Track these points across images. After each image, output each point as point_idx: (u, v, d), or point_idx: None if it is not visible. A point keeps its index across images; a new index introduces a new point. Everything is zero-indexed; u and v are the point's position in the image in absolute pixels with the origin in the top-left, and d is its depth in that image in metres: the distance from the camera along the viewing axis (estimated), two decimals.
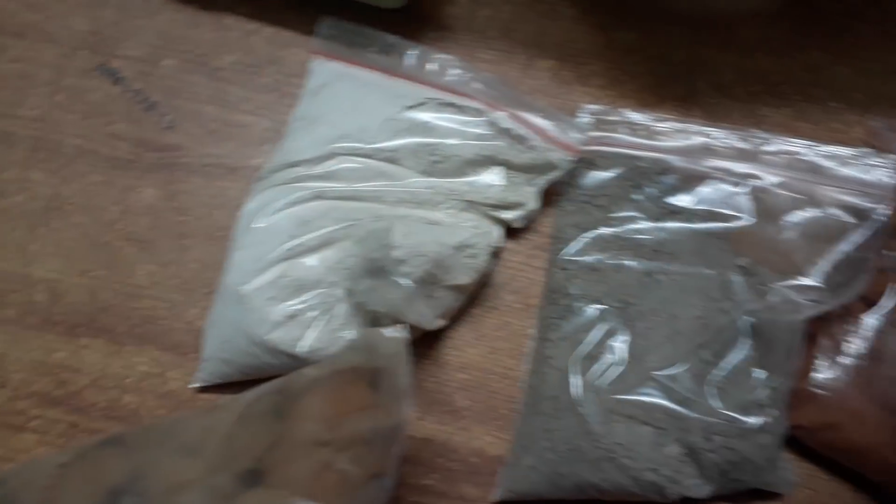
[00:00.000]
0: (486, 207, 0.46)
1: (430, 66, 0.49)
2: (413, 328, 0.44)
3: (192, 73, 0.53)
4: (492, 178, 0.47)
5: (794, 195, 0.46)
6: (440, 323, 0.45)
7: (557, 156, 0.47)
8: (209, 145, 0.51)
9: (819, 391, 0.44)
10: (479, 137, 0.47)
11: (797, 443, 0.45)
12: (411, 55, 0.49)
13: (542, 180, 0.47)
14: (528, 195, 0.47)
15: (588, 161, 0.48)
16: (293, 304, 0.43)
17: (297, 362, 0.42)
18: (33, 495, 0.33)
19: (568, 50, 0.53)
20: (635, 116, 0.49)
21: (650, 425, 0.42)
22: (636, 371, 0.43)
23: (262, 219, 0.45)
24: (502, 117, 0.47)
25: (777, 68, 0.53)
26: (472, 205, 0.46)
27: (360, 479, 0.32)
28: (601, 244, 0.47)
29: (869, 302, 0.46)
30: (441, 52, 0.50)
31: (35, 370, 0.46)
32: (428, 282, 0.43)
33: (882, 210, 0.45)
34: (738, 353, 0.44)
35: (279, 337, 0.42)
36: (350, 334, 0.43)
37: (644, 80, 0.53)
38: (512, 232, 0.49)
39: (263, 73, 0.53)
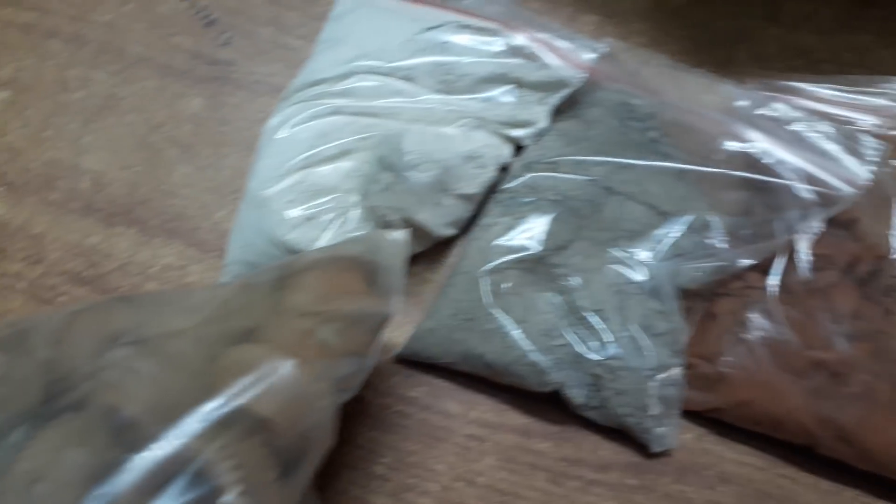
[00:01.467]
0: (497, 125, 0.48)
1: None
2: (425, 236, 0.46)
3: None
4: (504, 96, 0.48)
5: (770, 157, 0.47)
6: (449, 231, 0.47)
7: (569, 73, 0.48)
8: (259, 64, 0.54)
9: (729, 370, 0.44)
10: (493, 56, 0.48)
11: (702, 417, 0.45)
12: None
13: (554, 98, 0.49)
14: (539, 114, 0.49)
15: (590, 90, 0.50)
16: (310, 208, 0.45)
17: None
18: (44, 334, 0.36)
19: (614, 8, 0.54)
20: (651, 59, 0.51)
21: (549, 314, 0.44)
22: (552, 262, 0.45)
23: (283, 131, 0.47)
24: (517, 37, 0.49)
25: (821, 46, 0.53)
26: (484, 122, 0.48)
27: (339, 350, 0.34)
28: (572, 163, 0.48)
29: (764, 270, 0.46)
30: None
31: (70, 251, 0.50)
32: (437, 188, 0.45)
33: (842, 196, 0.45)
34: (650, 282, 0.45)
35: (296, 237, 0.44)
36: None
37: (685, 44, 0.53)
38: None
39: (319, 1, 0.56)
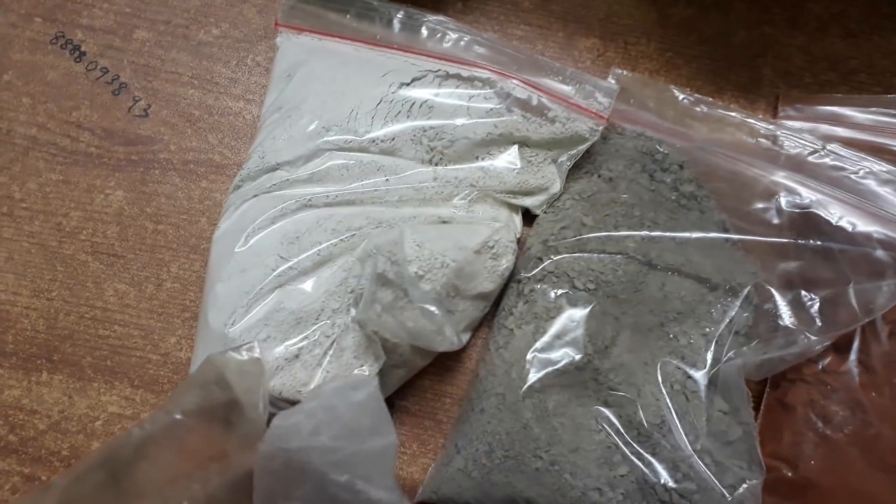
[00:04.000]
0: (503, 195, 0.39)
1: (423, 32, 0.41)
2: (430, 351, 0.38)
3: (170, 49, 0.44)
4: (507, 159, 0.39)
5: (832, 216, 0.39)
6: (465, 338, 0.39)
7: (584, 126, 0.39)
8: (191, 137, 0.43)
9: (815, 476, 0.37)
10: (489, 114, 0.39)
11: None
12: (398, 19, 0.41)
13: (567, 156, 0.40)
14: (551, 176, 0.40)
15: (603, 136, 0.41)
16: (293, 343, 0.35)
17: None
18: None
19: (614, 27, 0.45)
20: (672, 94, 0.42)
21: (604, 436, 0.36)
22: (597, 367, 0.37)
23: (242, 240, 0.37)
24: (515, 86, 0.39)
25: (852, 53, 0.46)
26: (485, 194, 0.39)
27: None
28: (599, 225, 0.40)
29: (838, 348, 0.39)
30: (438, 14, 0.41)
31: None
32: (450, 295, 0.37)
33: None
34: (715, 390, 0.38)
35: (281, 384, 0.35)
36: (367, 367, 0.36)
37: (700, 64, 0.45)
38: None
39: (255, 49, 0.45)
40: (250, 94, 0.44)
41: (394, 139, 0.39)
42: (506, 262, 0.38)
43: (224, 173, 0.42)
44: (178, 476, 0.28)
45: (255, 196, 0.38)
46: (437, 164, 0.39)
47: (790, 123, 0.43)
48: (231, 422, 0.30)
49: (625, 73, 0.42)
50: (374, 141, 0.38)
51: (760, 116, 0.42)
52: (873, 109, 0.43)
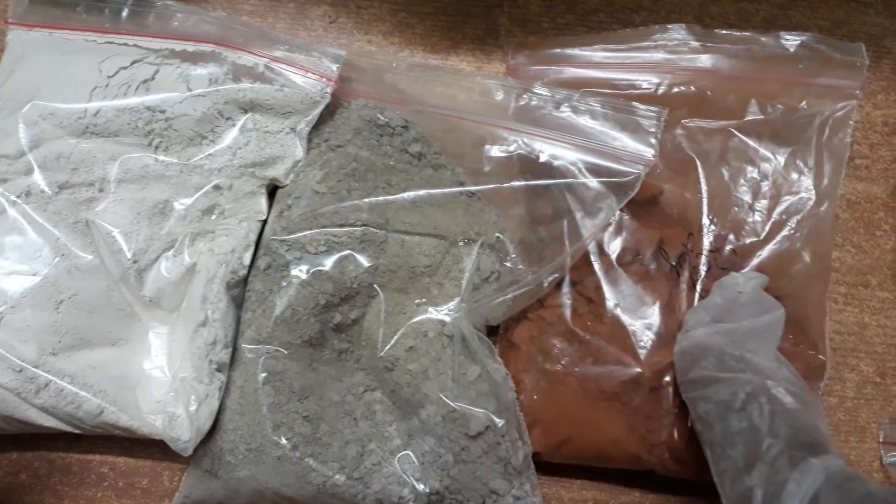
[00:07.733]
0: (245, 169, 0.39)
1: (150, 16, 0.41)
2: None
3: None
4: (237, 133, 0.39)
5: (537, 154, 0.40)
6: None
7: (314, 88, 0.39)
8: None
9: (539, 410, 0.38)
10: (214, 83, 0.39)
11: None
12: (127, 6, 0.41)
13: (304, 122, 0.40)
14: (291, 143, 0.40)
15: (329, 110, 0.40)
16: None
17: None
18: None
19: None
20: (386, 62, 0.42)
21: (344, 413, 0.37)
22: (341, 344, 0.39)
23: None
24: (242, 55, 0.39)
25: None
26: (228, 176, 0.39)
27: None
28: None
29: (557, 284, 0.40)
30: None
31: None
32: None
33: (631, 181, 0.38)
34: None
35: None
36: None
37: (435, 21, 0.45)
38: None
39: None
40: None
41: (111, 121, 0.38)
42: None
43: None
44: None
45: None
46: (157, 147, 0.39)
47: (520, 70, 0.43)
48: None
49: (339, 52, 0.41)
50: (90, 126, 0.38)
51: (467, 68, 0.43)
52: (598, 46, 0.43)
